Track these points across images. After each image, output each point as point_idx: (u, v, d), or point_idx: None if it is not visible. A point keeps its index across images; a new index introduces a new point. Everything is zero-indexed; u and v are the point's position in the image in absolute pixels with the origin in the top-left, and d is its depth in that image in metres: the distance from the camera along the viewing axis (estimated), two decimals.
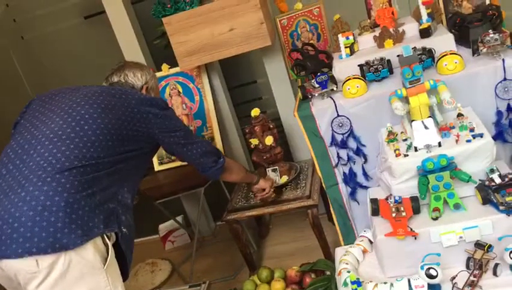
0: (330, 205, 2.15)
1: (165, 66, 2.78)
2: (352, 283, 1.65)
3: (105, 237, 1.48)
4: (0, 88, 3.38)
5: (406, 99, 1.78)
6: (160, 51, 2.74)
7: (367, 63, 1.98)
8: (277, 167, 2.45)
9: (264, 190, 2.31)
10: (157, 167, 2.82)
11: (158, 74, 2.79)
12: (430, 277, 1.54)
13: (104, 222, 1.48)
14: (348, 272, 1.74)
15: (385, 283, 1.64)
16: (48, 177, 1.43)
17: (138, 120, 1.69)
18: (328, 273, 2.15)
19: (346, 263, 1.82)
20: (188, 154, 1.87)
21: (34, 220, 1.37)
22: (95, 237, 1.44)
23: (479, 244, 1.58)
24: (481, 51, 1.82)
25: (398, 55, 1.87)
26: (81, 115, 1.58)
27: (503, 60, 1.78)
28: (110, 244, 1.49)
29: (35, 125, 1.60)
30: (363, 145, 1.99)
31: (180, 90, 2.79)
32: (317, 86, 2.00)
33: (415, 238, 1.64)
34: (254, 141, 2.43)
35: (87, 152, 1.52)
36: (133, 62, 2.03)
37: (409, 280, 1.59)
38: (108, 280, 1.47)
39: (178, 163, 2.78)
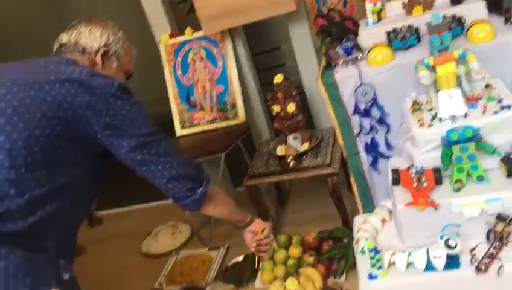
0: (351, 174, 2.14)
1: (188, 30, 2.76)
2: (370, 250, 1.65)
3: None
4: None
5: (432, 69, 1.74)
6: (184, 15, 2.72)
7: (394, 30, 1.93)
8: (298, 135, 2.44)
9: (256, 233, 1.75)
10: (179, 132, 2.84)
11: (181, 38, 2.79)
12: (449, 247, 1.54)
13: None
14: (366, 240, 1.74)
15: (403, 251, 1.64)
16: None
17: (66, 122, 1.17)
18: (345, 241, 2.16)
19: (365, 231, 1.82)
20: (151, 175, 1.32)
21: None
22: None
23: (500, 217, 1.56)
24: None
25: (426, 23, 1.82)
26: None
27: None
28: None
29: None
30: (387, 115, 1.96)
31: (204, 55, 2.78)
32: (342, 53, 1.97)
33: (436, 209, 1.63)
34: (276, 108, 2.42)
35: None
36: (100, 19, 1.45)
37: (427, 250, 1.59)
38: None
39: (200, 128, 2.80)
